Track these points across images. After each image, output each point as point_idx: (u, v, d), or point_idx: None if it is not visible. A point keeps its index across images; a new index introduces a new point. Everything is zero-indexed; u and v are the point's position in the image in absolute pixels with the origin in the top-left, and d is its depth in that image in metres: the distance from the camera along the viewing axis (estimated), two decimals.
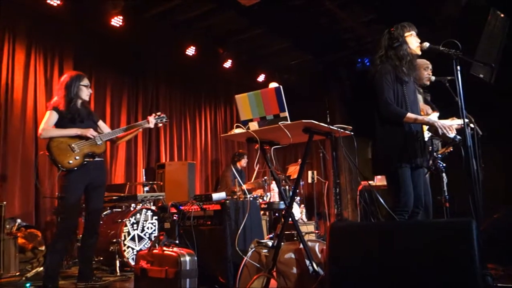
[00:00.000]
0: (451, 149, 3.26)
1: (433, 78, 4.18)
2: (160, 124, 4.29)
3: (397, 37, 3.23)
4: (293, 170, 7.54)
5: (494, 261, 3.68)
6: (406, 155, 3.10)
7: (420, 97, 4.14)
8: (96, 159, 3.93)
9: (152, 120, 4.17)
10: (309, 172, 7.44)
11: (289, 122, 2.88)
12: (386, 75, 3.16)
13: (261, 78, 8.88)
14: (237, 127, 3.10)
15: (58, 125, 3.85)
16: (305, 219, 6.50)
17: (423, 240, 2.31)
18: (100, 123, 4.16)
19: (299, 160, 7.61)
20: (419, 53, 3.30)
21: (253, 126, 3.04)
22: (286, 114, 2.91)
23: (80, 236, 4.83)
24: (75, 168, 3.78)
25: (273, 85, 8.82)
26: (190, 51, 7.42)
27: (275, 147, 3.23)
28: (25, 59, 5.73)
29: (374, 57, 3.39)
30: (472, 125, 4.02)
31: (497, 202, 6.29)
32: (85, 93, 3.98)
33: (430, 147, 3.60)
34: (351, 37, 7.96)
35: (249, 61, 8.65)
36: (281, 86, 2.93)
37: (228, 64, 8.05)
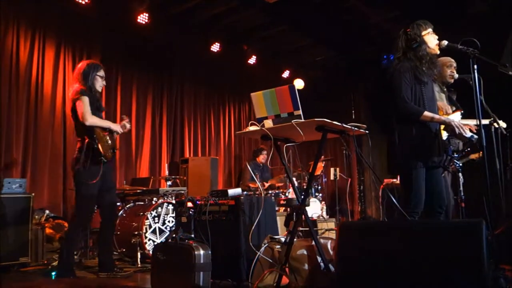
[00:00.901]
0: (468, 149, 3.22)
1: (456, 76, 4.11)
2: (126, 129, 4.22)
3: (414, 38, 3.15)
4: (317, 167, 7.53)
5: None
6: (423, 155, 3.05)
7: (443, 96, 4.08)
8: None
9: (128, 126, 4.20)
10: (332, 169, 7.42)
11: (302, 120, 2.90)
12: (404, 73, 3.10)
13: (285, 74, 8.89)
14: (252, 124, 3.15)
15: None
16: (325, 216, 6.50)
17: (432, 240, 2.30)
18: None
19: (323, 157, 7.61)
20: (438, 52, 3.24)
21: (268, 123, 3.09)
22: (300, 112, 2.94)
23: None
24: (109, 161, 3.91)
25: (297, 81, 8.88)
26: (215, 47, 7.51)
27: (288, 144, 3.26)
28: (54, 57, 5.96)
29: (392, 59, 3.34)
30: (496, 124, 3.96)
31: None
32: (99, 83, 4.04)
33: (451, 146, 3.56)
34: (377, 33, 7.88)
35: (273, 58, 8.68)
36: (294, 85, 2.96)
37: (252, 60, 8.10)
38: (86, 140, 3.83)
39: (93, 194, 3.90)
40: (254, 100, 3.14)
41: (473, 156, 4.82)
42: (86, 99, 3.83)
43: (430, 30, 3.21)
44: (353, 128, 3.06)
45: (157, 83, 7.32)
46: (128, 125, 4.19)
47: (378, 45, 8.14)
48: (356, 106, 9.29)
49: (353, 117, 9.07)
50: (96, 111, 3.92)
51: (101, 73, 4.06)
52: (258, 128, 3.09)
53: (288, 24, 7.47)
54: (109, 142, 3.92)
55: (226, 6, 6.81)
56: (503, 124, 4.05)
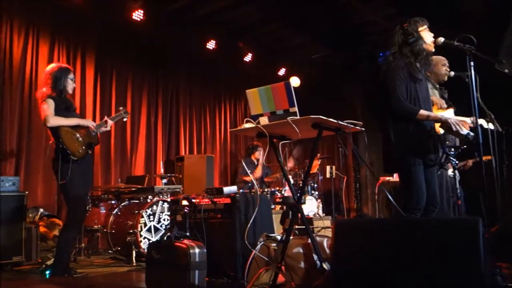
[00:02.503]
0: (465, 146, 3.21)
1: (452, 73, 4.10)
2: (125, 119, 4.39)
3: (411, 33, 3.14)
4: (313, 165, 7.52)
5: (509, 260, 3.62)
6: (420, 153, 3.04)
7: (436, 92, 4.08)
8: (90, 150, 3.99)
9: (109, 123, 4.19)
10: (328, 167, 7.40)
11: (298, 117, 2.87)
12: (399, 72, 3.08)
13: (281, 72, 8.86)
14: (247, 121, 3.12)
15: (55, 114, 3.85)
16: (322, 214, 6.48)
17: (428, 238, 2.28)
18: None
19: (319, 154, 7.59)
20: (433, 50, 3.22)
21: (263, 120, 3.05)
22: (296, 109, 2.91)
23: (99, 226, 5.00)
24: (81, 158, 3.83)
25: (294, 79, 8.87)
26: (211, 45, 7.47)
27: (283, 142, 3.24)
28: (48, 53, 5.91)
29: (387, 54, 3.32)
30: (491, 124, 3.95)
31: None
32: (71, 86, 4.04)
33: (448, 142, 3.55)
34: (373, 31, 7.86)
35: (269, 55, 8.63)
36: (290, 82, 2.94)
37: (248, 57, 8.07)
38: (51, 141, 3.85)
39: (78, 193, 3.84)
40: (249, 97, 3.11)
41: (470, 161, 4.83)
42: (50, 101, 3.84)
43: (426, 27, 3.20)
44: (349, 125, 3.04)
45: (152, 80, 7.28)
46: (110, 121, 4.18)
47: (373, 43, 8.12)
48: (352, 103, 9.27)
49: (350, 114, 9.04)
50: (64, 111, 3.90)
51: (72, 75, 4.05)
52: (253, 125, 3.06)
53: (284, 22, 7.44)
54: (80, 139, 3.87)
55: (222, 3, 6.77)
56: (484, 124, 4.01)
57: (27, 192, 4.59)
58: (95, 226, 5.07)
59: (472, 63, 2.86)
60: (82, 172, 3.88)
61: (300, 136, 3.03)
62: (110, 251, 5.00)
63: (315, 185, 7.20)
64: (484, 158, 4.85)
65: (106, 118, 4.20)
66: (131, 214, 4.81)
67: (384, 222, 2.74)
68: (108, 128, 4.20)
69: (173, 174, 6.25)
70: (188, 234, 3.24)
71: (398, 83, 3.06)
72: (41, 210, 5.25)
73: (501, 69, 5.25)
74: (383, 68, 3.19)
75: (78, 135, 3.86)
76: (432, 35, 3.21)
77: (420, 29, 3.17)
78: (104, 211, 5.21)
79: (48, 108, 3.82)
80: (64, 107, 3.90)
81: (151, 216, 4.82)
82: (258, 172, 7.02)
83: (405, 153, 3.04)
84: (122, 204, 5.14)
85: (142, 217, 4.73)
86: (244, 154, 7.95)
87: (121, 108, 4.43)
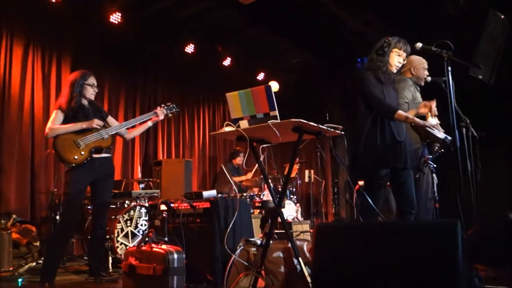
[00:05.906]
0: (442, 150, 3.25)
1: (429, 78, 4.16)
2: (170, 115, 4.25)
3: (385, 47, 3.30)
4: (292, 169, 7.52)
5: (486, 262, 3.67)
6: (384, 163, 3.19)
7: (418, 95, 4.13)
8: (103, 154, 3.90)
9: (160, 112, 4.14)
10: (306, 171, 7.42)
11: (278, 120, 2.87)
12: (366, 75, 3.26)
13: (260, 76, 8.85)
14: (227, 125, 3.10)
15: (63, 123, 3.83)
16: (300, 218, 6.49)
17: (407, 241, 2.30)
18: (110, 118, 4.14)
19: (297, 159, 7.60)
20: (394, 71, 3.36)
21: (244, 124, 3.04)
22: (276, 113, 2.91)
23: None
24: (81, 164, 3.74)
25: (273, 83, 8.87)
26: (189, 48, 7.41)
27: (263, 145, 3.23)
28: (22, 55, 5.76)
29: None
30: (467, 127, 4.02)
31: (501, 203, 6.28)
32: (90, 92, 3.96)
33: (436, 147, 3.61)
34: (352, 36, 7.94)
35: (249, 60, 8.61)
36: (271, 85, 2.94)
37: (227, 62, 8.02)
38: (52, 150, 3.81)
39: (72, 200, 3.77)
40: (229, 101, 3.09)
41: None
42: (56, 113, 3.81)
43: (402, 52, 3.32)
44: (329, 129, 3.05)
45: (130, 84, 7.18)
46: (161, 111, 4.17)
47: (352, 48, 8.20)
48: (330, 108, 9.33)
49: (327, 119, 9.10)
50: (72, 120, 3.81)
51: (90, 81, 3.97)
52: (233, 129, 3.04)
53: (264, 26, 7.44)
54: (81, 145, 3.75)
55: (201, 7, 6.74)
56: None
57: None
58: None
59: (449, 69, 2.91)
60: (88, 178, 3.82)
61: (280, 140, 3.02)
62: (85, 257, 4.89)
63: (294, 190, 7.21)
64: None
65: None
66: (107, 219, 4.71)
67: (364, 225, 2.75)
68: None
69: (150, 179, 6.17)
70: (166, 239, 3.19)
71: (371, 86, 3.23)
72: (14, 216, 5.10)
73: (475, 75, 5.35)
74: (359, 72, 3.33)
75: (79, 141, 3.75)
76: (401, 60, 3.34)
77: (394, 49, 3.31)
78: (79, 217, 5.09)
79: (51, 120, 3.80)
80: (71, 116, 3.82)
81: (128, 222, 4.74)
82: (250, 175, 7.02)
83: (369, 163, 3.19)
84: None
85: (119, 222, 4.65)
86: (226, 159, 7.92)
87: (168, 104, 4.30)
